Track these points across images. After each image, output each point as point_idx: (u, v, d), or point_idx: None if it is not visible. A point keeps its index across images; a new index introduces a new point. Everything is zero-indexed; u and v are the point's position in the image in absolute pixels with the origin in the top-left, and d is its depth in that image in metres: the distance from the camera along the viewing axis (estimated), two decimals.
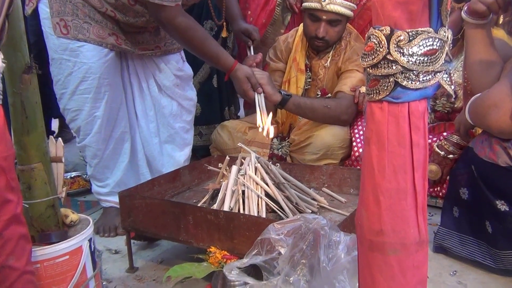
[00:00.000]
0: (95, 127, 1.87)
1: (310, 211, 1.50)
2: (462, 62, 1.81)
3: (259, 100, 1.87)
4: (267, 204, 1.47)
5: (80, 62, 1.79)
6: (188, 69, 2.11)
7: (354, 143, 2.08)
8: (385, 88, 0.77)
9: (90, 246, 1.30)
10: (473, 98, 1.40)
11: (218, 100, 2.70)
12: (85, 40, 1.79)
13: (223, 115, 2.74)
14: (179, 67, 2.04)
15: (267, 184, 1.50)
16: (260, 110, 1.83)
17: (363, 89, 2.06)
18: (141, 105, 2.02)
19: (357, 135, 2.07)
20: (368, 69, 0.78)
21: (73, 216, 1.35)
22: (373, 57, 0.77)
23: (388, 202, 0.79)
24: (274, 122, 2.26)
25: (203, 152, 2.77)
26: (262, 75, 1.94)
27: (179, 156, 2.09)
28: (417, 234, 0.81)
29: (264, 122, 1.77)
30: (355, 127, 2.12)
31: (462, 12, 1.51)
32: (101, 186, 1.98)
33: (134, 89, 2.01)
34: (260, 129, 1.78)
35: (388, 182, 0.78)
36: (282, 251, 1.17)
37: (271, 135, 1.71)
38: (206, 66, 2.65)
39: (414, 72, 0.75)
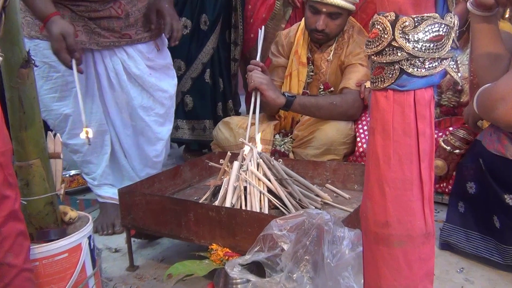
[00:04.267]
0: (68, 125, 1.84)
1: (314, 208, 1.49)
2: (468, 56, 1.81)
3: (255, 101, 1.86)
4: (269, 201, 1.46)
5: (40, 62, 1.73)
6: (163, 59, 2.02)
7: (358, 139, 2.07)
8: (390, 75, 0.76)
9: (89, 243, 1.30)
10: (480, 89, 1.39)
11: (210, 96, 2.70)
12: (37, 37, 1.73)
13: (215, 110, 2.74)
14: (149, 57, 1.96)
15: (269, 180, 1.49)
16: (253, 111, 1.81)
17: (368, 84, 2.05)
18: (110, 94, 1.95)
19: (361, 131, 2.07)
20: (373, 56, 0.78)
21: (72, 213, 1.35)
22: (378, 44, 0.76)
23: (394, 193, 0.78)
24: (276, 117, 2.27)
25: (196, 146, 2.82)
26: (262, 80, 1.94)
27: (150, 151, 2.04)
28: (423, 225, 0.80)
29: (253, 131, 1.74)
30: (359, 122, 2.12)
31: (468, 3, 1.50)
32: (91, 178, 1.99)
33: (102, 79, 1.93)
34: (246, 139, 1.73)
35: (393, 172, 0.78)
36: (285, 247, 1.16)
37: (259, 149, 1.66)
38: (199, 61, 2.64)
39: (420, 59, 0.75)
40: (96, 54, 1.90)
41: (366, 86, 2.06)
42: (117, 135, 2.00)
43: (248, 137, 1.72)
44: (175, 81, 2.09)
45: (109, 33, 1.86)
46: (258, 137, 1.70)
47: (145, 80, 1.95)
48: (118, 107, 1.97)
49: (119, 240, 1.83)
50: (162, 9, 1.91)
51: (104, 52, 1.90)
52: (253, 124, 1.83)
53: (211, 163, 1.75)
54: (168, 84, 2.04)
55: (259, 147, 1.61)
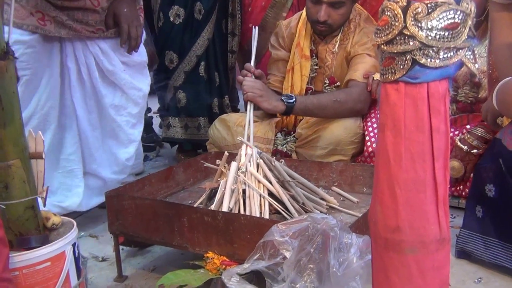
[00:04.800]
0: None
1: (318, 212, 1.49)
2: (486, 47, 1.81)
3: (249, 110, 1.84)
4: (270, 205, 1.46)
5: None
6: (139, 56, 2.01)
7: (367, 137, 2.06)
8: (401, 67, 0.77)
9: (74, 251, 1.29)
10: (500, 83, 1.39)
11: (205, 91, 2.69)
12: None
13: (211, 107, 2.73)
14: (124, 53, 1.95)
15: (270, 183, 1.49)
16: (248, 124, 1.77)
17: (376, 76, 2.05)
18: (79, 92, 1.93)
19: (370, 129, 2.06)
20: (382, 46, 0.78)
21: (55, 218, 1.34)
22: (388, 32, 0.76)
23: (405, 195, 0.79)
24: (278, 115, 2.26)
25: (190, 146, 2.82)
26: (255, 90, 1.95)
27: (121, 153, 2.04)
28: (437, 231, 0.81)
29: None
30: (368, 119, 2.11)
31: None
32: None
33: (71, 74, 1.91)
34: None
35: (405, 173, 0.79)
36: (287, 255, 1.16)
37: (254, 150, 1.65)
38: (192, 53, 2.64)
39: (434, 48, 0.75)
40: (67, 46, 1.89)
41: (375, 78, 2.05)
42: (80, 136, 1.97)
43: (247, 135, 1.72)
44: (149, 80, 2.10)
45: (81, 26, 1.85)
46: (250, 138, 1.71)
47: (119, 76, 1.95)
48: (87, 107, 1.97)
49: (107, 248, 1.82)
50: (119, 13, 1.91)
51: (76, 44, 1.89)
52: (255, 122, 1.83)
53: (206, 164, 1.76)
54: (142, 82, 2.04)
55: (254, 150, 1.60)
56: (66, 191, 1.96)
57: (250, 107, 1.87)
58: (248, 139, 1.68)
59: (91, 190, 2.03)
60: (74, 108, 1.94)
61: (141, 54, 2.05)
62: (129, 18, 1.91)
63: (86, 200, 2.00)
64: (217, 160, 1.66)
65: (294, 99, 2.03)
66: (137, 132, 2.08)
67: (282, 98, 2.05)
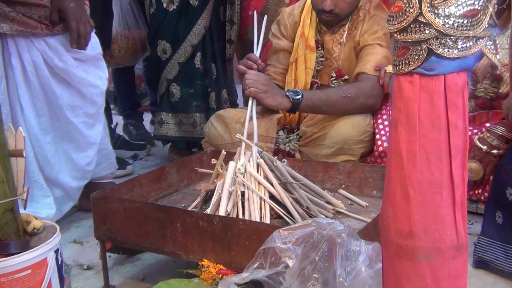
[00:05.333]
0: None
1: (324, 217, 1.49)
2: (508, 38, 1.81)
3: (252, 106, 1.83)
4: (271, 208, 1.46)
5: None
6: (92, 49, 2.01)
7: (378, 136, 2.05)
8: (416, 57, 0.77)
9: (56, 258, 1.28)
10: None
11: (201, 84, 2.67)
12: None
13: (207, 102, 2.71)
14: (74, 48, 1.95)
15: (271, 184, 1.49)
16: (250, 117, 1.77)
17: (389, 68, 2.03)
18: (27, 94, 1.91)
19: (381, 126, 2.05)
20: (396, 34, 0.78)
21: (36, 222, 1.33)
22: (402, 19, 0.76)
23: (420, 197, 0.80)
24: (280, 111, 2.24)
25: (184, 145, 2.81)
26: (258, 85, 1.93)
27: (80, 158, 2.05)
28: (454, 236, 0.81)
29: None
30: (379, 116, 2.10)
31: None
32: None
33: (16, 74, 1.88)
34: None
35: (419, 173, 0.79)
36: (290, 263, 1.16)
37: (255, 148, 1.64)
38: (187, 44, 2.63)
39: (452, 37, 0.75)
40: (9, 43, 1.87)
41: (387, 71, 2.03)
42: (32, 143, 1.94)
43: (247, 133, 1.71)
44: (106, 74, 2.10)
45: (25, 18, 1.84)
46: (254, 136, 1.70)
47: (72, 74, 1.95)
48: (36, 109, 1.94)
49: (92, 255, 1.81)
50: (65, 9, 1.89)
51: (19, 40, 1.87)
52: (258, 117, 1.83)
53: (200, 170, 1.76)
54: (98, 77, 2.04)
55: (254, 149, 1.60)
56: (35, 203, 1.94)
57: (252, 103, 1.86)
58: (249, 137, 1.67)
59: (57, 199, 2.03)
60: (23, 112, 1.92)
61: (94, 47, 2.04)
62: (76, 14, 1.90)
63: (57, 209, 2.01)
64: (213, 160, 1.64)
65: (300, 95, 2.02)
66: (96, 133, 2.07)
67: (288, 94, 2.03)
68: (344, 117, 2.08)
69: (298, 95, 2.03)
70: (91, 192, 1.58)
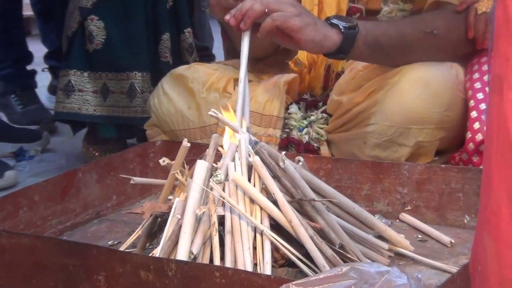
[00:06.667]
0: None
1: (371, 262, 1.20)
2: None
3: (245, 51, 1.42)
4: (275, 248, 1.16)
5: None
6: None
7: (474, 112, 1.54)
8: None
9: None
10: None
11: (144, 19, 2.06)
12: None
13: (156, 50, 2.08)
14: None
15: (274, 203, 1.17)
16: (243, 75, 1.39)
17: (483, 5, 1.57)
18: None
19: (479, 95, 1.53)
20: None
21: None
22: None
23: None
24: (292, 65, 1.75)
25: (112, 131, 2.24)
26: (279, 2, 1.45)
27: None
28: None
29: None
30: (470, 74, 1.59)
31: None
32: None
33: None
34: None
35: None
36: None
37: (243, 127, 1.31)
38: None
39: None
40: None
41: (479, 10, 1.55)
42: None
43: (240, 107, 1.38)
44: None
45: None
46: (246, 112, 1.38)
47: None
48: None
49: None
50: None
51: None
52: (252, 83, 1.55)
53: (140, 180, 1.48)
54: None
55: (244, 138, 1.27)
56: None
57: (245, 42, 1.39)
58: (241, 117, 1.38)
59: None
60: None
61: None
62: None
63: None
64: (163, 159, 1.33)
65: (355, 24, 1.53)
66: None
67: (333, 21, 1.51)
68: (411, 72, 1.57)
69: (349, 22, 1.51)
70: None
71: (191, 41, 2.17)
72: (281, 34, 1.43)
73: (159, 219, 1.24)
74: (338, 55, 1.50)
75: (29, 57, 2.72)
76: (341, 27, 1.47)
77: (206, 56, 2.32)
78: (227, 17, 1.43)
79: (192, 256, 1.11)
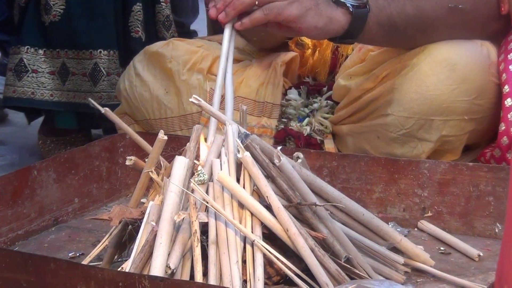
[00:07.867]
0: None
1: (384, 279, 1.16)
2: None
3: (228, 38, 1.33)
4: (268, 262, 1.12)
5: None
6: None
7: (509, 100, 1.42)
8: None
9: None
10: None
11: None
12: None
13: (126, 23, 1.93)
14: None
15: (268, 208, 1.13)
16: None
17: None
18: None
19: None
20: None
21: None
22: None
23: None
24: (291, 45, 1.64)
25: (73, 121, 2.05)
26: None
27: None
28: None
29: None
30: (505, 53, 1.46)
31: None
32: None
33: None
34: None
35: None
36: None
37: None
38: None
39: None
40: None
41: None
42: None
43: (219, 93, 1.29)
44: None
45: None
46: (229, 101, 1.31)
47: None
48: None
49: None
50: None
51: None
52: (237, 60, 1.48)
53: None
54: None
55: (232, 129, 1.21)
56: None
57: (226, 37, 1.30)
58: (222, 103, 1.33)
59: None
60: None
61: None
62: None
63: None
64: (130, 158, 1.27)
65: (365, 1, 1.40)
66: None
67: None
68: (432, 50, 1.45)
69: (360, 0, 1.39)
70: None
71: (169, 13, 2.04)
72: (277, 24, 1.32)
73: (130, 226, 1.18)
74: (346, 39, 1.39)
75: None
76: (349, 5, 1.36)
77: (183, 33, 2.20)
78: (211, 4, 1.33)
79: (169, 271, 1.05)
